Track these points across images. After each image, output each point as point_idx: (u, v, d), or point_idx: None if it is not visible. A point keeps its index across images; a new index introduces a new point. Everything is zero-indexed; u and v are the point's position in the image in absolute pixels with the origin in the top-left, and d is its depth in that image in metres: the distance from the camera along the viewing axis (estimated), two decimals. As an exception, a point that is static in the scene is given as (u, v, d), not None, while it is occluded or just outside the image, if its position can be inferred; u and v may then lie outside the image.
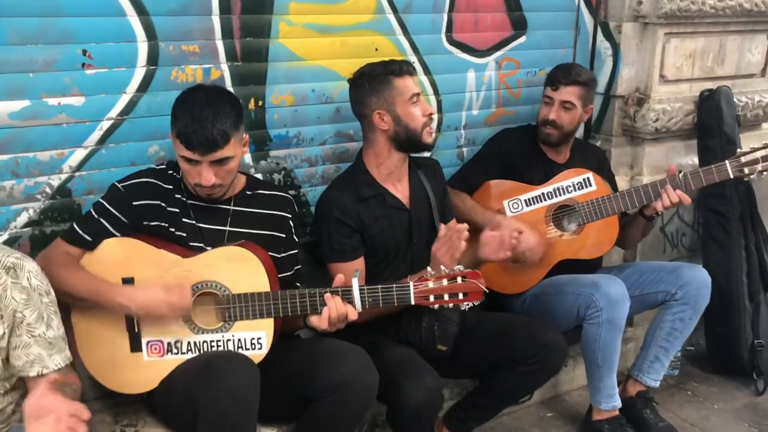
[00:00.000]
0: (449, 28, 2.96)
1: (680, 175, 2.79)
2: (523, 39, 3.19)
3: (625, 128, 3.44)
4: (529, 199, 2.92)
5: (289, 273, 2.34)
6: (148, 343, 2.14)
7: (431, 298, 2.14)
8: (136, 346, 2.14)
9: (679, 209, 3.61)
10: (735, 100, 3.49)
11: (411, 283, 2.14)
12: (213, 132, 2.01)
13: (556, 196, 2.92)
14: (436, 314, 2.42)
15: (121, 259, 2.13)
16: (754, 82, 3.77)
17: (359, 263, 2.49)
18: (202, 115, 2.01)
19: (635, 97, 3.38)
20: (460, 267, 2.16)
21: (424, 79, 2.95)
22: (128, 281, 2.13)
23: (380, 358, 2.22)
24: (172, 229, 2.18)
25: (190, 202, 2.21)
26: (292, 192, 2.70)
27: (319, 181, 2.79)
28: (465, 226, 2.32)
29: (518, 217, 2.91)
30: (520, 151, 3.00)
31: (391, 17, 2.79)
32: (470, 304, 2.17)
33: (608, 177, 3.12)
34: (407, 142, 2.49)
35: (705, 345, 3.57)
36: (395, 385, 2.20)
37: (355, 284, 2.12)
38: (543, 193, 2.92)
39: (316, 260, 2.80)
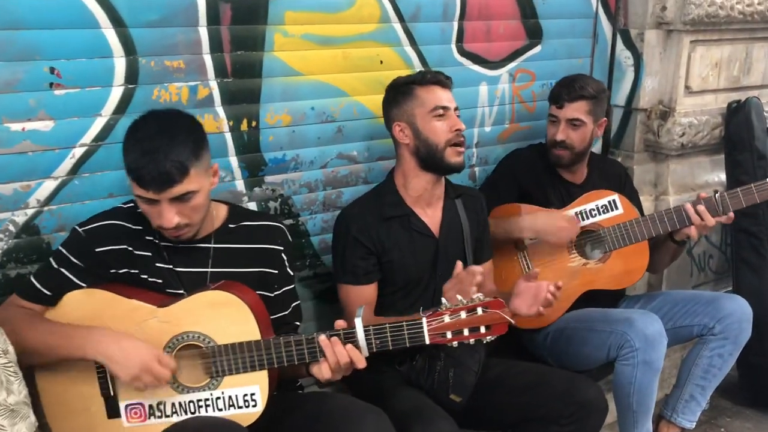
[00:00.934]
0: (460, 37, 2.71)
1: (716, 195, 2.55)
2: (538, 49, 2.95)
3: (647, 144, 3.19)
4: None
5: (286, 312, 2.09)
6: (127, 407, 1.87)
7: (449, 335, 1.83)
8: (113, 411, 1.87)
9: (706, 230, 3.35)
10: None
11: (424, 319, 1.83)
12: (166, 165, 1.73)
13: (580, 221, 2.67)
14: (453, 359, 2.17)
15: (87, 313, 1.86)
16: (781, 91, 3.54)
17: (371, 289, 2.29)
18: (153, 146, 1.74)
19: (659, 110, 3.14)
20: (480, 296, 1.86)
21: (434, 93, 2.69)
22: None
23: (388, 405, 1.99)
24: (145, 276, 1.91)
25: (163, 243, 1.93)
26: (289, 221, 2.45)
27: (319, 209, 2.54)
28: (479, 269, 2.09)
29: (538, 244, 2.66)
30: (532, 173, 2.75)
31: (398, 26, 2.54)
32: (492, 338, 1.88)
33: (631, 194, 2.87)
34: (429, 159, 2.28)
35: (735, 375, 3.31)
36: None
37: (359, 325, 1.83)
38: None
39: (319, 295, 2.55)
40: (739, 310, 2.61)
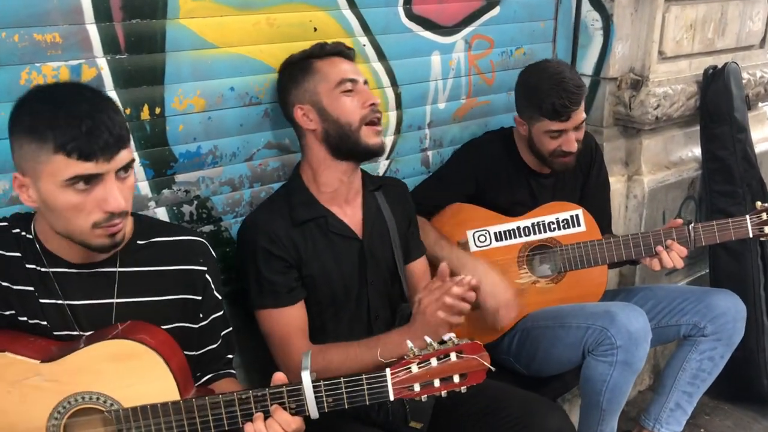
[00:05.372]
0: (408, -2, 2.29)
1: (690, 226, 2.26)
2: (496, 11, 2.56)
3: (618, 117, 2.86)
4: (500, 233, 2.34)
5: (215, 345, 1.69)
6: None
7: (417, 388, 1.51)
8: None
9: (681, 210, 3.05)
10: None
11: (388, 372, 1.50)
12: (115, 123, 1.38)
13: (535, 233, 2.35)
14: None
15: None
16: (754, 54, 3.27)
17: (298, 311, 1.90)
18: (85, 110, 1.36)
19: (630, 79, 2.79)
20: (453, 337, 1.53)
21: (378, 66, 2.29)
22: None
23: None
24: (24, 318, 1.49)
25: (52, 270, 1.49)
26: (209, 227, 2.03)
27: (245, 210, 2.12)
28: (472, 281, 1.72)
29: (484, 254, 2.31)
30: (496, 170, 2.39)
31: (333, -15, 2.11)
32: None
33: (599, 175, 2.55)
34: (342, 144, 1.91)
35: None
36: None
37: (307, 378, 1.47)
38: (519, 228, 2.35)
39: (248, 314, 2.12)
40: (733, 308, 2.32)
